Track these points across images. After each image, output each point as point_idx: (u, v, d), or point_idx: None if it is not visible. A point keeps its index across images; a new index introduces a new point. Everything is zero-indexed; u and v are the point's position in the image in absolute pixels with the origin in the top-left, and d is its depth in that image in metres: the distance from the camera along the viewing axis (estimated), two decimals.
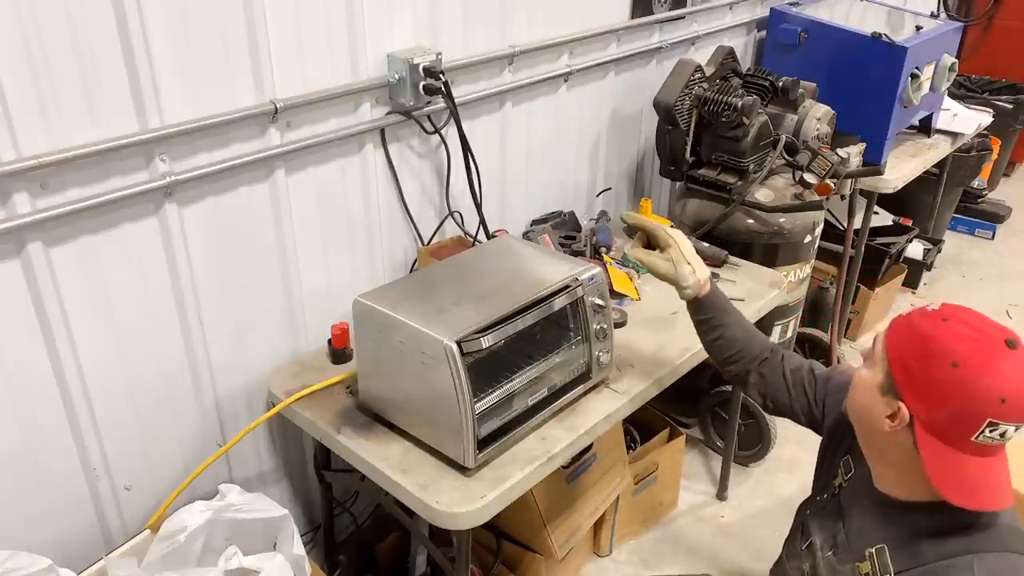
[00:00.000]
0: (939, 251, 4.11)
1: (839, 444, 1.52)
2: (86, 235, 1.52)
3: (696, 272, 1.62)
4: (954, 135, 3.51)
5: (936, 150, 3.40)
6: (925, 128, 3.46)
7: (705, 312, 1.67)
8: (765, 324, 2.63)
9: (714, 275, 2.28)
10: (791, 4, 3.23)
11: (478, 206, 2.18)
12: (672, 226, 1.74)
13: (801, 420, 1.64)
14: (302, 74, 1.76)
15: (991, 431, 1.14)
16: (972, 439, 1.15)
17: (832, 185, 2.53)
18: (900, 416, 1.21)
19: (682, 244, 1.64)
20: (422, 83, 1.90)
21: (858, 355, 1.35)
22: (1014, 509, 1.26)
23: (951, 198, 4.27)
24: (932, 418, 1.18)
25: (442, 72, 1.91)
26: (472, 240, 2.22)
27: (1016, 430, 1.16)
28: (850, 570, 1.33)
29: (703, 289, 1.64)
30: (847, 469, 1.47)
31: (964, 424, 1.15)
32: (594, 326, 1.73)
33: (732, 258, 2.38)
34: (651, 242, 1.68)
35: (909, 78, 2.90)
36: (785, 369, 1.64)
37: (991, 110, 3.76)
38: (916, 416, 1.19)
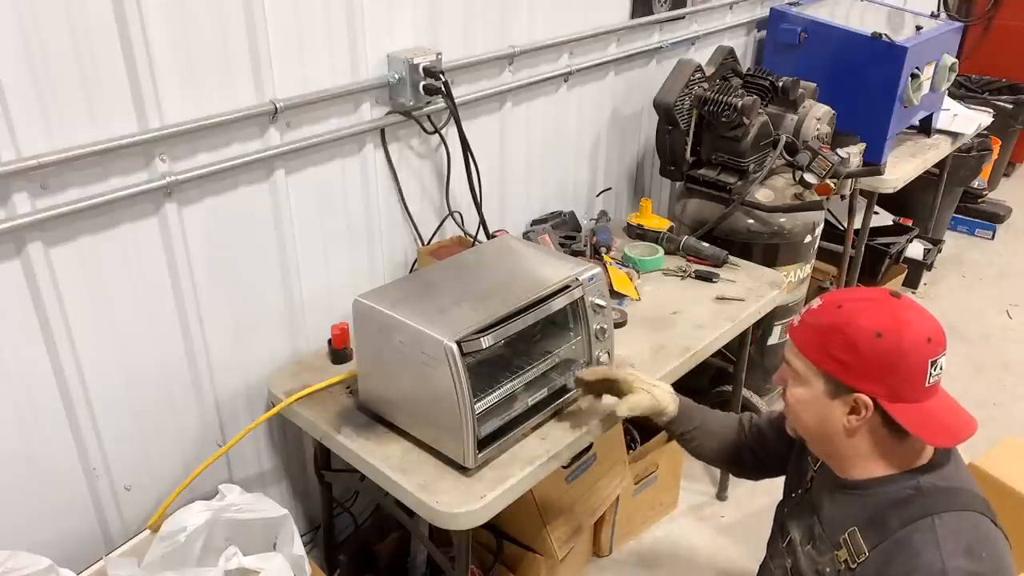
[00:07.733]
0: (939, 251, 4.11)
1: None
2: (86, 235, 1.52)
3: (668, 392, 1.71)
4: (954, 135, 3.51)
5: (936, 150, 3.41)
6: (925, 128, 3.46)
7: (686, 423, 1.73)
8: (765, 324, 2.64)
9: (714, 275, 2.30)
10: (791, 4, 3.23)
11: (478, 206, 2.18)
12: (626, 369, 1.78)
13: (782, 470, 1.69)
14: (302, 74, 1.76)
15: (934, 369, 1.25)
16: (926, 385, 1.25)
17: (832, 185, 2.54)
18: (861, 405, 1.27)
19: (643, 376, 1.71)
20: (422, 83, 1.90)
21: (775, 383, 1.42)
22: (972, 476, 1.34)
23: (951, 198, 4.27)
24: (889, 389, 1.25)
25: (442, 72, 1.91)
26: (472, 240, 2.22)
27: (944, 357, 1.27)
28: (829, 560, 1.36)
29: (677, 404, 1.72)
30: (815, 460, 1.51)
31: (915, 377, 1.24)
32: (594, 326, 1.73)
33: (732, 258, 2.38)
34: (613, 389, 1.70)
35: (909, 78, 2.90)
36: (758, 429, 1.72)
37: (991, 110, 3.76)
38: (876, 396, 1.26)
